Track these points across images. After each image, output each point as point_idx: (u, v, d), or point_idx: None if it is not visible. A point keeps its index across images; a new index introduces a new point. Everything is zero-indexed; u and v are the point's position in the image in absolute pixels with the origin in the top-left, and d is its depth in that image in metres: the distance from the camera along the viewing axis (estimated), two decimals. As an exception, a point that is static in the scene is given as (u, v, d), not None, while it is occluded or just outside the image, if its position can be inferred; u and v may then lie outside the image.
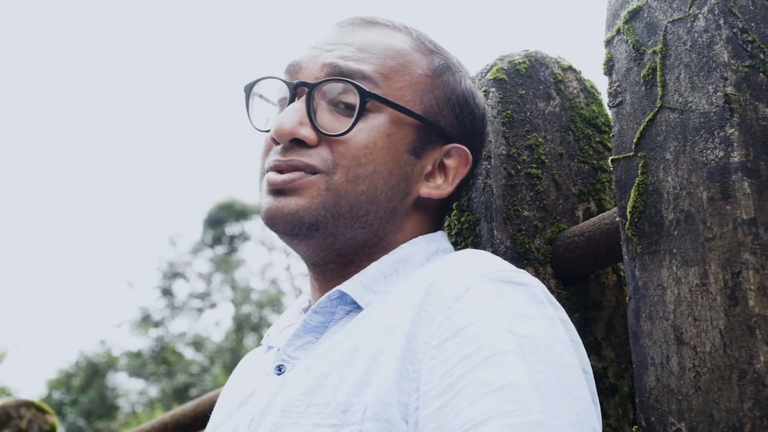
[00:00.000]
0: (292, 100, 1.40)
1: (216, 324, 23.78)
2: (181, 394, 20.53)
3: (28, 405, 3.23)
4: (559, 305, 1.29)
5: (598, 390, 1.55)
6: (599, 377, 1.57)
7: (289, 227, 1.37)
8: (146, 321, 23.12)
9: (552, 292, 1.57)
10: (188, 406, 2.56)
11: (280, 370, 1.35)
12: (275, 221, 1.37)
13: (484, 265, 1.27)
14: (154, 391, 22.53)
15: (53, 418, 3.26)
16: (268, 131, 1.44)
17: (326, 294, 1.37)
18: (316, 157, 1.36)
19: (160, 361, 22.46)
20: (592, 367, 1.56)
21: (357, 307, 1.36)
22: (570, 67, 1.73)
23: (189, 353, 23.13)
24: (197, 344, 23.05)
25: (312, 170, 1.36)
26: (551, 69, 1.70)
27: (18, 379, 31.33)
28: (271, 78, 1.46)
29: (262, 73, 1.48)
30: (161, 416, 2.73)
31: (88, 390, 21.76)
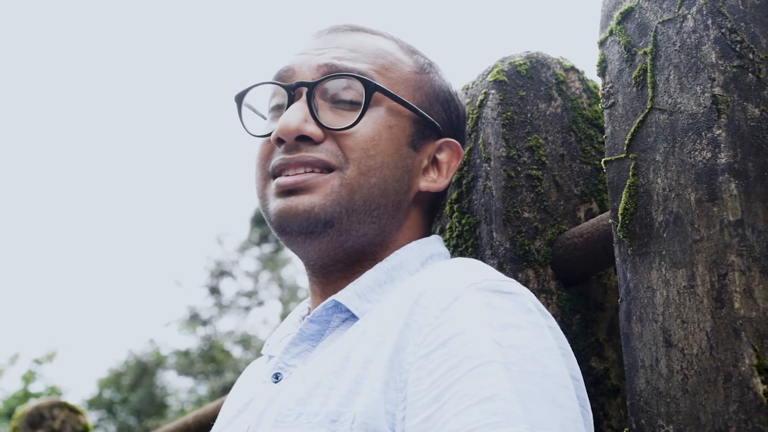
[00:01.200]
0: (291, 102, 1.41)
1: (264, 322, 23.82)
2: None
3: (61, 405, 3.29)
4: (549, 313, 1.29)
5: (600, 391, 1.55)
6: (601, 378, 1.57)
7: (304, 225, 1.37)
8: (194, 320, 23.27)
9: (553, 294, 1.57)
10: (209, 407, 2.59)
11: (276, 378, 1.36)
12: (289, 221, 1.37)
13: (473, 274, 1.27)
14: (203, 390, 22.67)
15: (86, 419, 3.32)
16: (263, 136, 1.45)
17: (322, 304, 1.38)
18: (325, 151, 1.38)
19: (209, 359, 22.61)
20: (594, 368, 1.56)
21: (353, 315, 1.37)
22: (572, 68, 1.72)
23: (237, 352, 23.24)
24: (245, 342, 23.15)
25: (324, 166, 1.37)
26: (553, 70, 1.69)
27: (68, 378, 31.77)
28: (266, 83, 1.47)
29: (252, 81, 1.49)
30: (184, 417, 2.77)
31: (137, 389, 21.97)
